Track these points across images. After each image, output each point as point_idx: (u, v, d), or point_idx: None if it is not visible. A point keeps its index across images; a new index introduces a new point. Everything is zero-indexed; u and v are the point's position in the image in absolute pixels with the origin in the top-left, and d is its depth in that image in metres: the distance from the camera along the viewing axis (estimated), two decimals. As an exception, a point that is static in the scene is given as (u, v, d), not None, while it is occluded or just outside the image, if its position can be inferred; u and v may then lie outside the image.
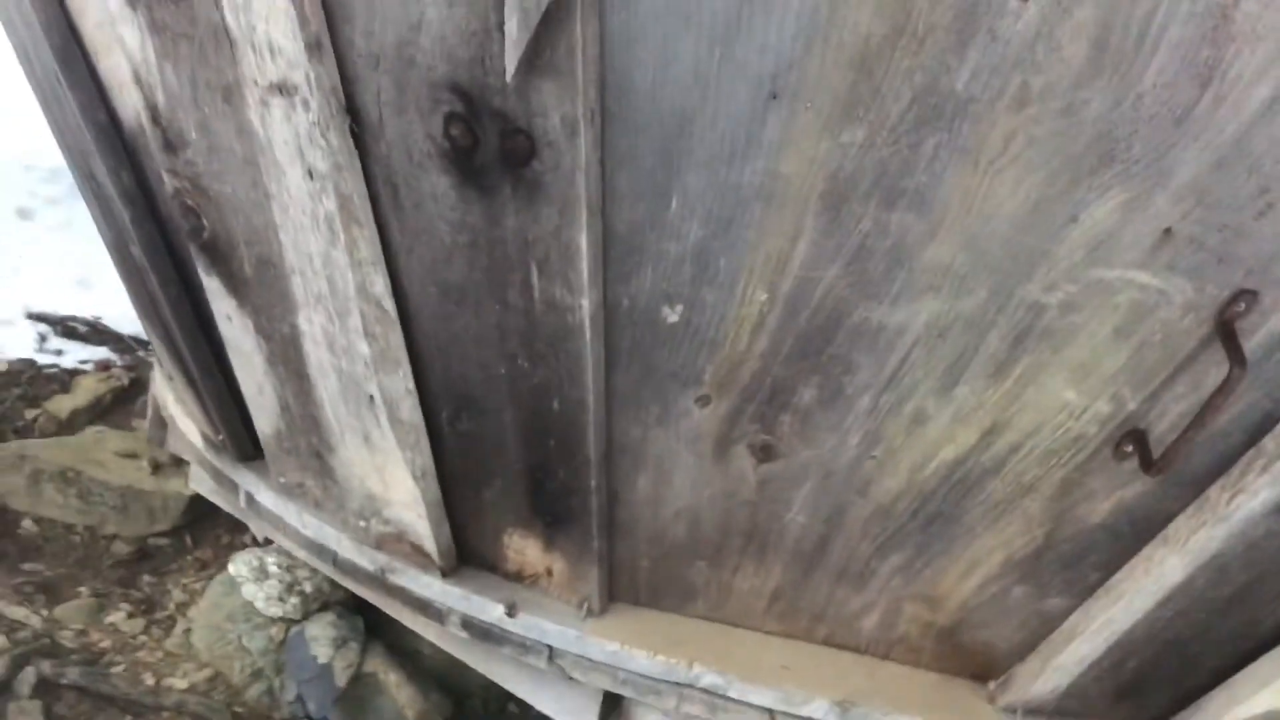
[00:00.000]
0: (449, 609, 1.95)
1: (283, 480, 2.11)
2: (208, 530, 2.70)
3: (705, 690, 1.84)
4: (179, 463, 2.82)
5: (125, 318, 4.31)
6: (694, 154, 1.29)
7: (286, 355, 1.80)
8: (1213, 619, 1.68)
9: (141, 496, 2.68)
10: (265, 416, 2.00)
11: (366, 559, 2.03)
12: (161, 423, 2.87)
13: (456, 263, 1.49)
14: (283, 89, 1.37)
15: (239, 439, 2.23)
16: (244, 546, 2.60)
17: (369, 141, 1.41)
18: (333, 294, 1.59)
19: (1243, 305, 1.28)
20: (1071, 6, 1.08)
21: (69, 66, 1.76)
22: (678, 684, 1.84)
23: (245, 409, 2.15)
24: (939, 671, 1.98)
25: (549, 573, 1.92)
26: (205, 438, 2.35)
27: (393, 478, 1.83)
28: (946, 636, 1.90)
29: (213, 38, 1.40)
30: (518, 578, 1.96)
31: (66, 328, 3.98)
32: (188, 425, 2.45)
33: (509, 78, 1.19)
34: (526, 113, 1.25)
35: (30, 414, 3.17)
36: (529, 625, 1.90)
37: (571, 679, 1.91)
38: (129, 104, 1.78)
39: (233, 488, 2.29)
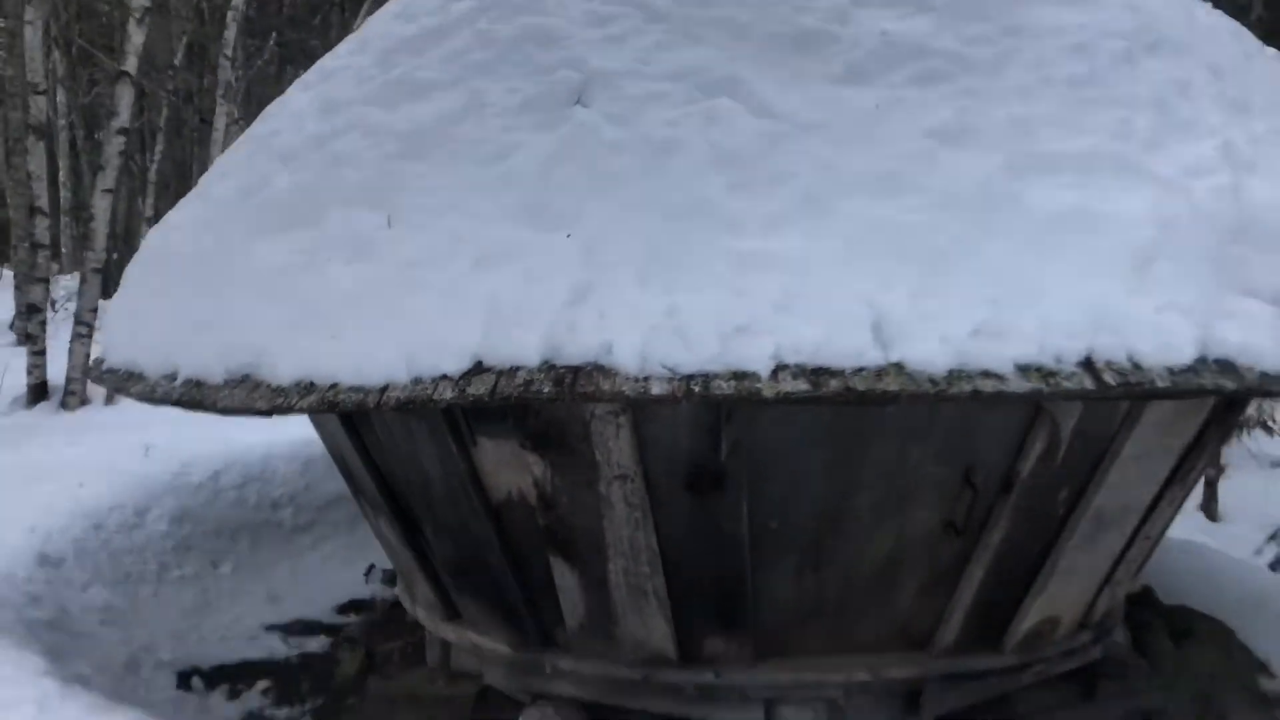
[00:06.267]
0: None
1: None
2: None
3: None
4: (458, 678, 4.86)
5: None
6: None
7: (599, 580, 4.01)
8: None
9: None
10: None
11: None
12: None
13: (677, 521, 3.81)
14: (622, 478, 3.70)
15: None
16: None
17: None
18: (632, 551, 3.86)
19: None
20: None
21: (479, 491, 4.02)
22: None
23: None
24: None
25: None
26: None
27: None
28: None
29: (586, 463, 3.71)
30: None
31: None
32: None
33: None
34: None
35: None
36: None
37: None
38: (499, 496, 4.03)
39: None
